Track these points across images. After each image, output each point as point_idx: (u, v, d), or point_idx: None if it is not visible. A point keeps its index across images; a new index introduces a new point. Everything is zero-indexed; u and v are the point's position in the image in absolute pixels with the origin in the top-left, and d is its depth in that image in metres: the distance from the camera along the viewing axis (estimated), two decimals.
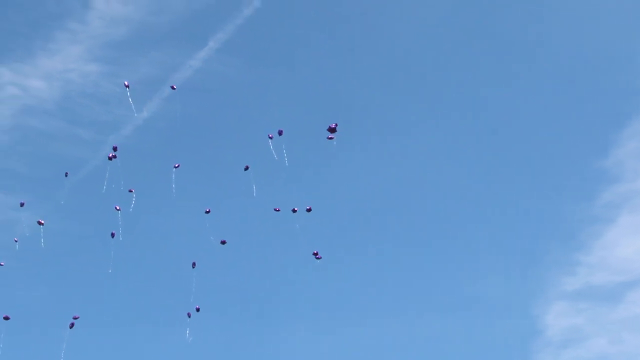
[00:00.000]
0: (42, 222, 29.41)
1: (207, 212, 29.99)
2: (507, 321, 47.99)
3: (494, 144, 55.55)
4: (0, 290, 40.99)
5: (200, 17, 53.45)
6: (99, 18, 51.66)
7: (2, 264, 30.98)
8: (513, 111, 56.11)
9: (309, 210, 29.11)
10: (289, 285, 48.60)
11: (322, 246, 29.33)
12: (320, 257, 29.39)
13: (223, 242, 29.44)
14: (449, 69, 56.51)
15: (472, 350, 46.21)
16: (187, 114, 49.80)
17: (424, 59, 56.81)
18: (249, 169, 29.05)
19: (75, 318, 29.04)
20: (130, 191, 29.52)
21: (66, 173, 31.89)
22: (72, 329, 28.94)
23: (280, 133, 28.45)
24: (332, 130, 27.60)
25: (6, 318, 29.04)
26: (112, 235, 29.07)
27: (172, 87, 32.71)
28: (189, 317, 28.83)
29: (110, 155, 29.01)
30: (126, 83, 29.19)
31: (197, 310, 28.76)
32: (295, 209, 29.11)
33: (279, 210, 29.49)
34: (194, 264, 29.28)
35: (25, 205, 30.79)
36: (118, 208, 29.32)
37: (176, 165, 29.73)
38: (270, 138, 28.50)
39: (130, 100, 28.85)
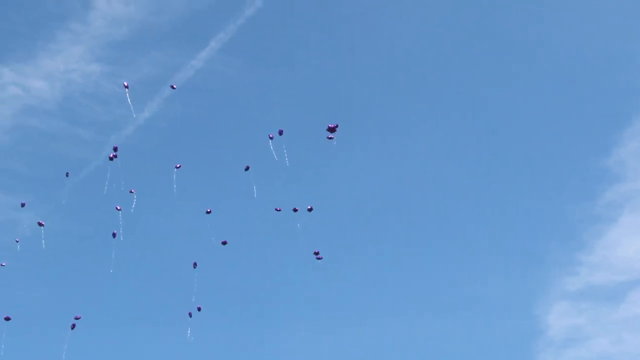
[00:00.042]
0: (42, 223, 29.40)
1: (208, 213, 29.98)
2: (508, 321, 48.04)
3: (495, 144, 55.61)
4: (1, 290, 41.05)
5: (201, 17, 53.53)
6: (100, 18, 51.72)
7: (3, 264, 31.01)
8: (514, 111, 56.17)
9: (310, 209, 29.10)
10: (289, 285, 48.67)
11: (323, 246, 29.36)
12: (321, 258, 29.38)
13: (224, 243, 29.42)
14: (449, 69, 56.58)
15: (473, 351, 46.24)
16: (188, 114, 49.85)
17: (424, 59, 56.89)
18: (250, 169, 29.04)
19: (76, 318, 29.03)
20: (132, 192, 29.51)
21: (67, 173, 31.96)
22: (74, 329, 28.94)
23: (280, 133, 28.43)
24: (331, 130, 27.58)
25: (7, 319, 29.02)
26: (114, 235, 29.07)
27: (172, 87, 32.75)
28: (190, 316, 28.85)
29: (111, 155, 29.02)
30: (125, 84, 29.16)
31: (199, 309, 28.75)
32: (297, 208, 29.11)
33: (280, 210, 29.49)
34: (195, 264, 29.26)
35: (26, 205, 30.80)
36: (119, 208, 29.33)
37: (178, 166, 29.72)
38: (271, 138, 28.48)
39: (129, 101, 28.84)
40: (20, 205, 30.76)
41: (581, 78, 56.64)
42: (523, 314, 48.00)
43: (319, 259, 29.34)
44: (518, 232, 52.22)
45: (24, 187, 49.10)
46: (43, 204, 42.94)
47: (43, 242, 29.18)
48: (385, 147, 54.29)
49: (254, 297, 46.17)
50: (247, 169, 29.10)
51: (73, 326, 28.84)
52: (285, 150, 28.27)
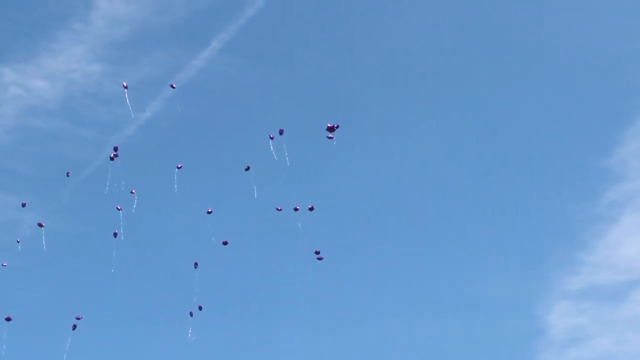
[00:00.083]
0: (42, 224, 29.39)
1: (209, 213, 29.95)
2: (510, 321, 48.01)
3: (496, 144, 55.59)
4: (2, 290, 41.07)
5: (203, 17, 53.51)
6: (101, 18, 51.74)
7: (4, 264, 31.01)
8: (515, 111, 56.13)
9: (311, 209, 29.08)
10: (290, 285, 48.66)
11: (323, 246, 29.32)
12: (322, 258, 29.36)
13: (225, 243, 29.39)
14: (449, 69, 56.54)
15: (475, 351, 46.23)
16: (189, 114, 49.88)
17: (424, 59, 56.84)
18: (250, 169, 29.03)
19: (78, 318, 29.03)
20: (132, 192, 29.50)
21: (67, 173, 31.98)
22: (75, 330, 28.93)
23: (281, 132, 28.40)
24: (330, 129, 27.57)
25: (8, 319, 29.01)
26: (115, 234, 29.05)
27: (172, 86, 32.72)
28: (191, 316, 28.83)
29: (112, 155, 29.00)
30: (125, 84, 29.15)
31: (200, 309, 28.73)
32: (297, 207, 29.09)
33: (281, 210, 29.47)
34: (196, 264, 29.23)
35: (28, 205, 30.78)
36: (119, 208, 29.31)
37: (179, 166, 29.70)
38: (271, 138, 28.46)
39: (127, 101, 28.83)
40: (21, 206, 30.78)
41: (582, 77, 56.67)
42: (525, 314, 48.06)
43: (319, 259, 29.33)
44: (519, 232, 52.26)
45: (26, 187, 49.19)
46: (44, 204, 42.91)
47: (44, 243, 29.19)
48: (385, 147, 54.34)
49: (255, 297, 46.16)
50: (247, 169, 29.09)
51: (74, 327, 28.84)
52: (285, 150, 28.27)
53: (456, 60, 56.02)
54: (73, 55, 51.55)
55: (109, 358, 44.44)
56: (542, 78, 56.70)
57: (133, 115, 29.64)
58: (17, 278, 42.85)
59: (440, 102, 55.91)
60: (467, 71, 56.19)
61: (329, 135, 27.66)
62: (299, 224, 28.90)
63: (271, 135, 28.49)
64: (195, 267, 29.18)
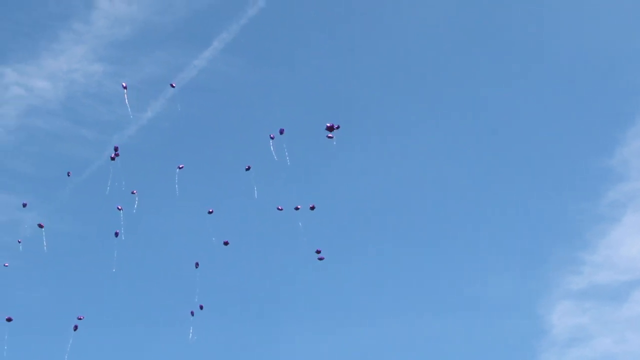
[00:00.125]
0: (42, 225, 29.40)
1: (210, 213, 29.95)
2: (512, 321, 48.00)
3: (497, 144, 55.57)
4: (4, 291, 41.10)
5: (204, 17, 53.49)
6: (102, 18, 51.73)
7: (6, 264, 31.03)
8: (516, 110, 56.10)
9: (312, 208, 29.08)
10: (290, 285, 48.69)
11: (323, 246, 29.34)
12: (323, 258, 29.37)
13: (226, 243, 29.38)
14: (449, 69, 56.51)
15: (476, 350, 46.22)
16: (191, 114, 49.88)
17: (424, 59, 56.82)
18: (251, 169, 29.03)
19: (79, 319, 29.04)
20: (133, 193, 29.50)
21: (68, 173, 31.99)
22: (76, 330, 28.94)
23: (281, 132, 28.40)
24: (330, 129, 27.57)
25: (9, 319, 29.00)
26: (116, 234, 29.06)
27: (172, 85, 32.70)
28: (192, 315, 28.83)
29: (112, 155, 28.99)
30: (124, 84, 29.16)
31: (201, 308, 28.73)
32: (298, 207, 29.09)
33: (282, 210, 29.46)
34: (196, 264, 29.23)
35: (29, 205, 30.79)
36: (120, 208, 29.30)
37: (180, 166, 29.70)
38: (272, 138, 28.46)
39: (127, 102, 28.84)
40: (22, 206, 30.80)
41: (583, 77, 56.63)
42: (526, 314, 48.04)
43: (320, 259, 29.33)
44: (521, 231, 52.24)
45: (27, 187, 49.20)
46: (45, 204, 43.00)
47: (45, 244, 29.20)
48: (385, 147, 54.35)
49: (255, 297, 46.19)
50: (248, 169, 29.09)
51: (75, 327, 28.85)
52: (286, 150, 28.27)
53: (456, 60, 56.07)
54: (74, 55, 51.62)
55: (110, 358, 44.51)
56: (542, 78, 56.77)
57: (132, 116, 29.66)
58: (18, 278, 42.93)
59: (440, 102, 55.96)
60: (467, 71, 56.25)
61: (329, 135, 27.68)
62: (300, 224, 28.94)
63: (271, 135, 28.50)
64: (197, 267, 29.19)
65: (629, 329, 46.82)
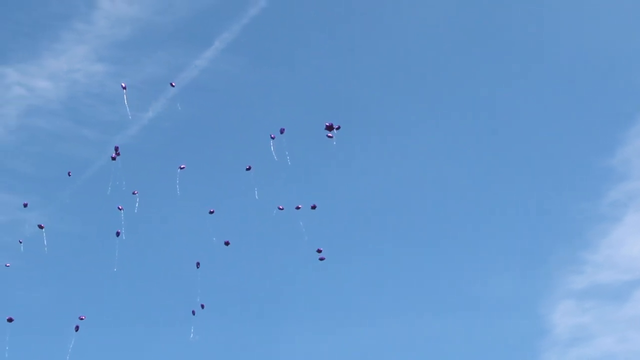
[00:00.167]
0: (43, 226, 29.39)
1: (211, 213, 29.93)
2: (513, 320, 48.02)
3: (497, 144, 55.55)
4: (5, 291, 41.15)
5: (205, 17, 53.51)
6: (104, 18, 51.77)
7: (8, 265, 31.04)
8: (516, 110, 56.06)
9: (313, 207, 29.07)
10: (290, 285, 48.69)
11: (323, 246, 29.31)
12: (324, 258, 29.35)
13: (227, 243, 29.35)
14: (449, 69, 56.47)
15: (477, 350, 46.22)
16: (192, 114, 49.88)
17: (424, 59, 56.80)
18: (251, 170, 29.01)
19: (81, 319, 29.03)
20: (134, 193, 29.49)
21: (69, 172, 31.99)
22: (78, 331, 28.92)
23: (282, 131, 28.39)
24: (329, 128, 27.56)
25: (10, 320, 28.98)
26: (118, 234, 29.05)
27: (172, 85, 32.67)
28: (194, 314, 28.81)
29: (113, 155, 28.97)
30: (123, 85, 29.14)
31: (202, 307, 28.71)
32: (299, 206, 29.08)
33: (282, 209, 29.45)
34: (198, 264, 29.21)
35: (31, 205, 30.80)
36: (121, 208, 29.28)
37: (182, 167, 29.68)
38: (273, 138, 28.44)
39: (126, 102, 28.82)
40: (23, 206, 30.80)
41: (584, 77, 56.58)
42: (527, 313, 48.05)
43: (321, 259, 29.33)
44: (522, 231, 52.21)
45: (29, 187, 49.26)
46: (48, 204, 43.05)
47: (45, 244, 29.19)
48: (385, 147, 54.32)
49: (255, 297, 46.21)
50: (248, 169, 29.08)
51: (77, 328, 28.82)
52: (286, 150, 28.26)
53: (456, 60, 56.03)
54: (76, 55, 51.65)
55: (111, 357, 44.54)
56: (543, 78, 56.73)
57: (130, 117, 29.61)
58: (19, 278, 42.99)
59: (440, 102, 55.93)
60: (467, 71, 56.20)
61: (329, 135, 27.67)
62: (301, 223, 28.92)
63: (272, 135, 28.48)
64: (198, 267, 29.18)
65: (631, 329, 46.88)
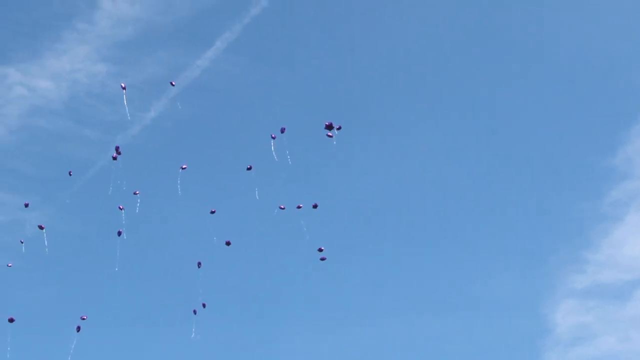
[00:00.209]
0: (43, 226, 29.41)
1: (213, 213, 29.95)
2: (515, 320, 48.01)
3: (499, 144, 55.53)
4: (7, 291, 41.18)
5: (207, 17, 53.56)
6: (105, 18, 51.81)
7: (9, 265, 31.06)
8: (518, 110, 56.08)
9: (315, 206, 29.08)
10: (290, 285, 48.69)
11: (324, 246, 29.32)
12: (325, 258, 29.37)
13: (228, 243, 29.37)
14: (449, 69, 56.50)
15: (479, 350, 46.20)
16: (193, 114, 49.95)
17: (424, 59, 56.81)
18: (252, 169, 29.02)
19: (82, 319, 29.04)
20: (136, 193, 29.50)
21: (69, 172, 32.00)
22: (79, 331, 28.94)
23: (282, 131, 28.40)
24: (329, 127, 27.58)
25: (11, 320, 28.99)
26: (119, 233, 29.06)
27: (172, 84, 32.65)
28: (195, 313, 28.81)
29: (114, 155, 28.98)
30: (123, 85, 29.16)
31: (204, 306, 28.72)
32: (300, 205, 29.10)
33: (284, 208, 29.46)
34: (199, 264, 29.23)
35: (32, 205, 30.84)
36: (122, 207, 29.29)
37: (183, 167, 29.68)
38: (273, 138, 28.46)
39: (125, 102, 28.84)
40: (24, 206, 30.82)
41: (586, 76, 56.55)
42: (529, 313, 48.02)
43: (322, 259, 29.34)
44: (524, 231, 52.19)
45: (30, 187, 49.30)
46: (49, 204, 43.12)
47: (46, 245, 29.21)
48: (385, 147, 54.36)
49: (257, 296, 46.23)
50: (249, 168, 29.10)
51: (78, 328, 28.83)
52: (287, 150, 28.27)
53: (456, 60, 56.03)
54: (77, 55, 51.71)
55: (112, 357, 44.55)
56: (543, 77, 56.73)
57: (129, 117, 29.64)
58: (20, 278, 43.02)
59: (440, 102, 55.93)
60: (467, 71, 56.19)
61: (329, 134, 27.68)
62: (303, 222, 28.94)
63: (273, 135, 28.49)
64: (199, 267, 29.19)
65: (633, 328, 46.86)
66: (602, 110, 55.24)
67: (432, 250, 51.79)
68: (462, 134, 55.27)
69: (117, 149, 28.97)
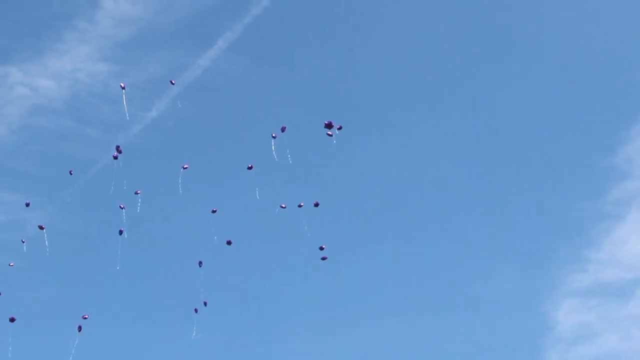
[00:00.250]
0: (43, 227, 29.43)
1: (214, 212, 29.97)
2: (517, 319, 48.07)
3: (500, 143, 55.54)
4: (8, 290, 41.15)
5: (208, 16, 53.61)
6: (107, 18, 51.87)
7: (11, 264, 31.08)
8: (519, 109, 56.09)
9: (316, 205, 29.11)
10: (291, 284, 48.73)
11: (325, 246, 29.33)
12: (326, 258, 29.40)
13: (229, 242, 29.39)
14: (449, 69, 56.52)
15: (481, 349, 46.25)
16: (195, 114, 50.00)
17: (424, 59, 56.84)
18: (252, 168, 29.04)
19: (84, 318, 29.06)
20: (137, 193, 29.52)
21: (70, 171, 32.01)
22: (81, 331, 28.96)
23: (283, 130, 28.42)
24: (328, 126, 27.60)
25: (12, 320, 29.01)
26: (120, 232, 29.09)
27: (171, 82, 32.64)
28: (196, 312, 28.83)
29: (115, 154, 28.99)
30: (122, 85, 29.18)
31: (205, 304, 28.74)
32: (302, 204, 29.12)
33: (285, 207, 29.49)
34: (200, 263, 29.26)
35: (34, 205, 30.86)
36: (122, 207, 29.29)
37: (185, 167, 29.71)
38: (274, 137, 28.48)
39: (124, 102, 28.86)
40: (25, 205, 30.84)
41: (586, 75, 56.59)
42: (532, 311, 48.10)
43: (323, 258, 29.36)
44: (526, 230, 52.21)
45: (31, 187, 49.35)
46: (50, 204, 43.15)
47: (46, 245, 29.24)
48: (385, 146, 54.39)
49: (256, 296, 46.27)
50: (250, 168, 29.12)
51: (79, 328, 28.84)
52: (287, 149, 28.30)
53: (456, 61, 56.05)
54: (79, 54, 51.77)
55: (113, 356, 44.59)
56: (543, 77, 56.77)
57: (128, 117, 29.65)
58: (21, 278, 43.01)
59: (440, 102, 55.95)
60: (467, 71, 56.21)
61: (328, 132, 27.71)
62: (304, 221, 28.96)
63: (273, 135, 28.52)
64: (200, 266, 29.22)
65: (635, 326, 46.91)
66: (602, 109, 55.33)
67: (432, 250, 51.83)
68: (462, 134, 55.35)
69: (117, 148, 29.01)
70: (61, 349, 31.69)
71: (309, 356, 45.62)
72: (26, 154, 51.27)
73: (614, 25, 55.57)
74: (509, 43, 56.65)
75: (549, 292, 48.33)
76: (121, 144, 29.28)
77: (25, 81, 51.20)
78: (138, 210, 29.35)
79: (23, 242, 30.10)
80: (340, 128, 27.83)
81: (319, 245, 29.22)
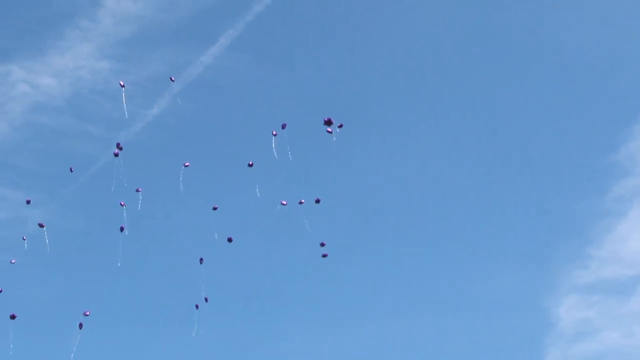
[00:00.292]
0: (43, 224, 29.43)
1: (215, 209, 29.99)
2: (519, 315, 48.06)
3: (501, 141, 55.50)
4: (10, 288, 41.17)
5: (210, 14, 53.64)
6: (109, 16, 51.92)
7: (13, 261, 31.10)
8: (520, 106, 56.05)
9: (317, 201, 29.11)
10: (291, 283, 48.72)
11: (326, 244, 29.34)
12: (327, 255, 29.40)
13: (229, 240, 29.40)
14: (449, 69, 56.46)
15: (483, 346, 46.24)
16: (197, 111, 50.06)
17: (424, 59, 56.78)
18: (253, 166, 29.04)
19: (85, 315, 29.04)
20: (138, 190, 29.53)
21: (71, 168, 32.00)
22: (82, 328, 28.94)
23: (283, 127, 28.42)
24: (327, 123, 27.59)
25: (12, 317, 29.00)
26: (121, 229, 29.10)
27: (171, 79, 32.62)
28: (197, 308, 28.84)
29: (115, 152, 29.00)
30: (121, 83, 29.17)
31: (206, 300, 28.73)
32: (302, 201, 29.11)
33: (285, 204, 29.49)
34: (201, 260, 29.26)
35: (35, 202, 30.83)
36: (123, 204, 29.30)
37: (186, 164, 29.72)
38: (274, 135, 28.49)
39: (124, 100, 28.86)
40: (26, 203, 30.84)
41: (587, 72, 56.55)
42: (533, 308, 48.10)
43: (324, 255, 29.36)
44: (527, 227, 52.17)
45: (33, 184, 49.37)
46: (51, 201, 43.19)
47: (47, 243, 29.23)
48: (385, 146, 54.35)
49: (256, 294, 46.31)
50: (250, 165, 29.13)
51: (80, 325, 28.83)
52: (288, 146, 28.30)
53: (456, 60, 55.98)
54: (80, 52, 51.82)
55: (113, 354, 44.63)
56: (544, 74, 56.66)
57: (127, 115, 29.65)
58: (22, 275, 43.07)
59: (440, 102, 55.89)
60: (467, 71, 56.13)
61: (328, 130, 27.70)
62: (304, 218, 28.97)
63: (274, 132, 28.52)
64: (201, 263, 29.22)
65: (636, 323, 46.91)
66: (604, 107, 55.30)
67: (432, 250, 51.77)
68: (462, 134, 55.30)
69: (118, 145, 29.02)
70: (62, 346, 31.73)
71: (309, 355, 45.66)
72: (27, 151, 51.38)
73: (616, 23, 55.67)
74: (509, 43, 56.69)
75: (551, 289, 48.38)
76: (122, 142, 29.34)
77: (27, 79, 51.31)
78: (139, 208, 29.37)
79: (24, 239, 30.13)
80: (340, 126, 27.82)
81: (320, 242, 29.27)
